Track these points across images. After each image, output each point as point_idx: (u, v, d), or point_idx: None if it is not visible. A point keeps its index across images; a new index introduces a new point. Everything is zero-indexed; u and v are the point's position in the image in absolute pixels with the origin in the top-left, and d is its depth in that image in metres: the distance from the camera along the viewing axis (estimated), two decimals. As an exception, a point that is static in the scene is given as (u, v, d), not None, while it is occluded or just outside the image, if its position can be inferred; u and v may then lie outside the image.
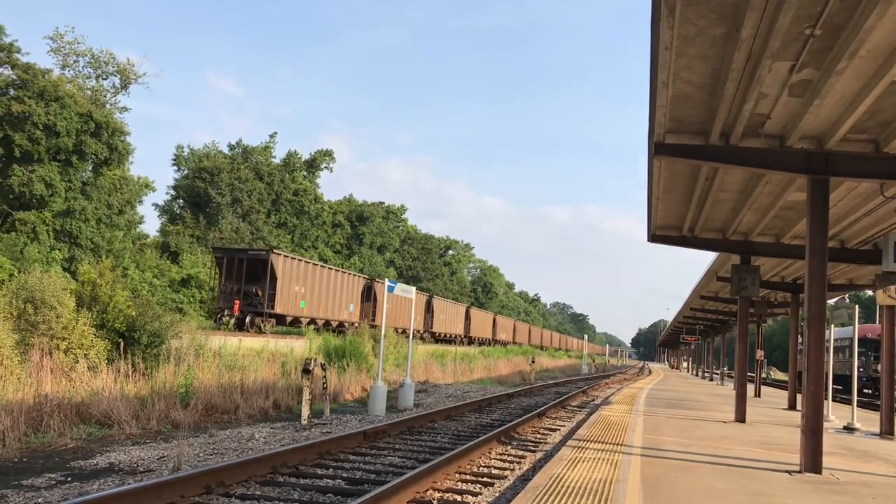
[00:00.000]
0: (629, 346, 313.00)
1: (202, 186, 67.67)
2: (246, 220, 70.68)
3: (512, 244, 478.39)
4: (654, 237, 17.13)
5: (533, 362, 41.49)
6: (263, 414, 16.51)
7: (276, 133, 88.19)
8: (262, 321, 32.83)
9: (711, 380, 50.03)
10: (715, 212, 15.10)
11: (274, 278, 32.18)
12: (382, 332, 19.16)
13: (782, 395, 30.11)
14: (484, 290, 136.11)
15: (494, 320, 77.74)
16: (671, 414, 18.14)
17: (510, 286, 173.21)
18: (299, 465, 10.09)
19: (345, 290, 40.07)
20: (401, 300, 50.89)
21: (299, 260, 35.00)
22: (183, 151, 72.25)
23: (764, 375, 46.13)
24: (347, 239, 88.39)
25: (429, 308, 53.63)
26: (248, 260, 32.57)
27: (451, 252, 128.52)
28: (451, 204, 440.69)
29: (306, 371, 15.21)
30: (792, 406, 22.86)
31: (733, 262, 18.26)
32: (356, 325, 37.90)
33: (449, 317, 59.39)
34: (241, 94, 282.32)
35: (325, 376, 17.06)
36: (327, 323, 37.76)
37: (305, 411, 14.83)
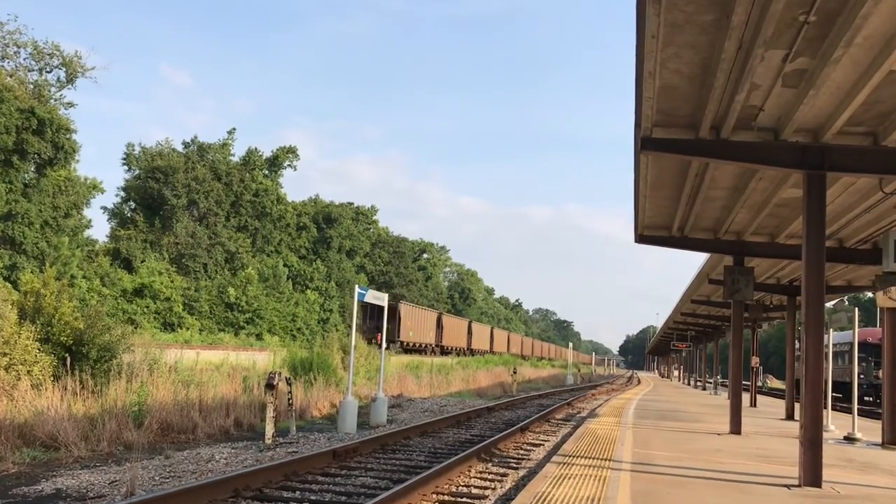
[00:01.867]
0: (616, 354, 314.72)
1: (155, 187, 67.11)
2: (203, 223, 70.21)
3: (491, 247, 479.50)
4: (641, 238, 17.23)
5: (514, 373, 41.58)
6: (224, 433, 16.37)
7: (234, 129, 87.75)
8: (391, 346, 52.22)
9: (704, 389, 50.43)
10: (706, 210, 15.22)
11: (399, 319, 55.97)
12: (352, 344, 19.10)
13: (779, 405, 30.42)
14: (462, 296, 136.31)
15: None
16: (662, 426, 18.25)
17: (490, 292, 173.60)
18: (263, 487, 10.01)
19: (428, 322, 64.81)
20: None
21: (411, 305, 61.72)
22: (134, 150, 71.59)
23: (760, 384, 46.54)
24: (313, 242, 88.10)
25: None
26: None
27: (425, 256, 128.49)
28: (426, 204, 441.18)
29: (270, 386, 15.10)
30: (790, 416, 23.10)
31: (726, 264, 18.43)
32: (432, 345, 62.89)
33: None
34: (196, 87, 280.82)
35: (290, 391, 16.96)
36: (422, 345, 60.98)
37: (269, 429, 14.72)
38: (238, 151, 79.79)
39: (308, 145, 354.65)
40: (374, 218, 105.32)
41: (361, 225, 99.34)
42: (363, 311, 54.42)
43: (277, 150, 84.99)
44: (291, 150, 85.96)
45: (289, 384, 17.00)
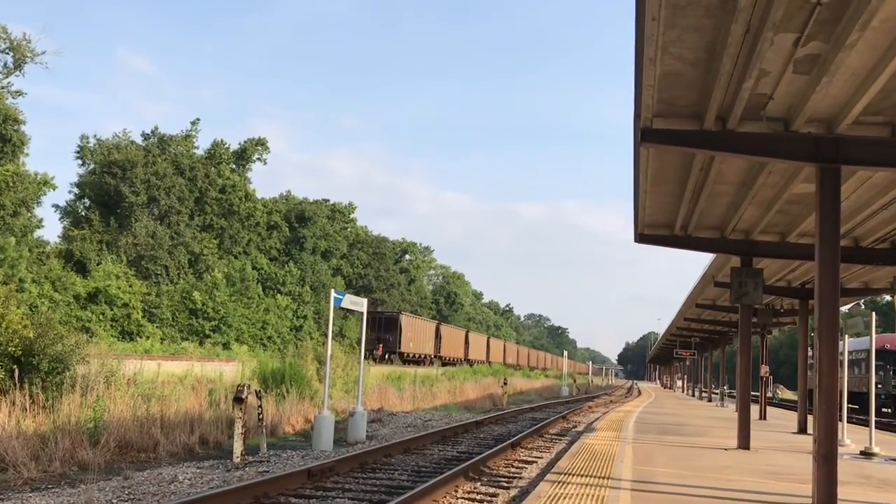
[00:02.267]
0: (615, 363, 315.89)
1: (112, 183, 66.76)
2: (164, 222, 69.92)
3: (479, 247, 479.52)
4: (641, 237, 17.28)
5: (505, 384, 41.64)
6: (188, 451, 16.30)
7: (198, 120, 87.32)
8: (392, 356, 60.58)
9: (710, 400, 50.67)
10: (711, 207, 15.29)
11: (400, 330, 63.01)
12: (328, 353, 19.07)
13: (791, 417, 30.60)
14: (447, 300, 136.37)
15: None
16: (665, 441, 18.32)
17: (478, 296, 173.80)
18: (231, 511, 9.98)
19: (427, 332, 70.72)
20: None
21: (412, 316, 68.53)
22: (88, 142, 71.21)
23: (770, 395, 46.80)
24: (285, 243, 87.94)
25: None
26: (385, 318, 64.82)
27: (408, 257, 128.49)
28: (408, 201, 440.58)
29: (238, 400, 15.05)
30: (802, 429, 23.24)
31: (732, 265, 18.50)
32: (431, 355, 68.53)
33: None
34: (157, 74, 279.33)
35: (260, 405, 16.90)
36: (422, 356, 66.24)
37: (238, 447, 14.67)
38: (203, 144, 79.49)
39: (279, 137, 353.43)
40: (352, 216, 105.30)
41: (338, 224, 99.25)
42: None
43: (245, 142, 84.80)
44: (261, 143, 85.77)
45: (259, 398, 16.94)
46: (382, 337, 63.00)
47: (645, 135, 10.51)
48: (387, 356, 61.19)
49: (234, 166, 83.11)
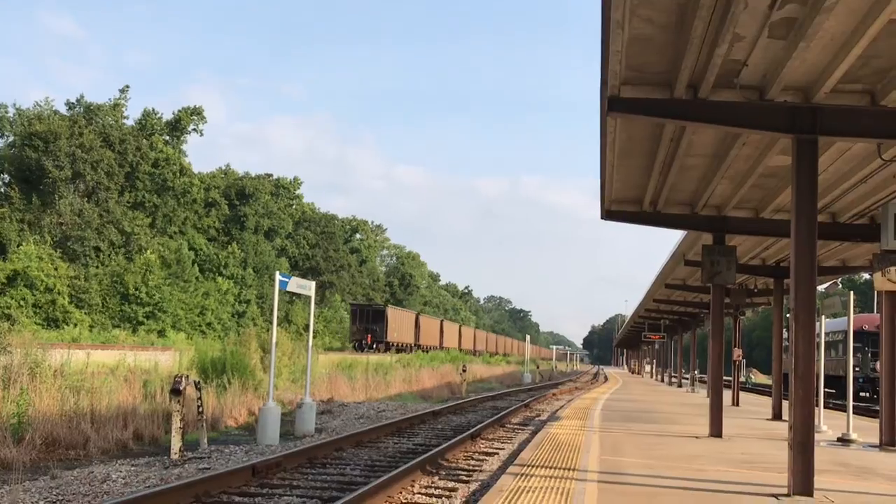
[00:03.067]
0: (580, 347, 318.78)
1: (34, 157, 65.58)
2: (92, 199, 68.94)
3: (435, 226, 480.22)
4: (608, 213, 17.40)
5: (464, 371, 41.80)
6: (122, 448, 16.17)
7: (128, 87, 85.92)
8: (380, 346, 67.54)
9: (680, 386, 51.38)
10: (682, 181, 15.43)
11: (386, 321, 70.87)
12: (273, 341, 18.98)
13: (765, 403, 31.12)
14: (402, 283, 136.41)
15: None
16: (633, 429, 18.54)
17: (434, 277, 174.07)
18: (170, 511, 9.92)
19: (408, 322, 79.89)
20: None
21: (396, 308, 79.96)
22: (7, 112, 69.88)
23: (743, 379, 47.55)
24: (225, 222, 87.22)
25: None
26: (373, 310, 73.23)
27: (358, 236, 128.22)
28: (358, 175, 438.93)
29: (176, 392, 14.95)
30: (777, 416, 23.65)
31: (704, 243, 18.72)
32: (412, 344, 77.20)
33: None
34: (82, 36, 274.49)
35: (200, 398, 16.81)
36: (404, 345, 74.38)
37: (176, 443, 14.58)
38: (133, 114, 78.82)
39: (217, 106, 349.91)
40: (298, 192, 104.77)
41: (282, 200, 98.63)
42: (353, 315, 75.24)
43: (179, 111, 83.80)
44: (196, 112, 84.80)
45: (198, 389, 16.84)
46: (370, 328, 71.72)
47: (612, 104, 10.56)
48: (374, 346, 69.86)
49: (167, 138, 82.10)
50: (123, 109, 76.88)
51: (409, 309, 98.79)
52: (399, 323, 76.45)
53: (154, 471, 13.19)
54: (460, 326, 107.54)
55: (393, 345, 72.29)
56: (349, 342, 73.91)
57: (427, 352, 74.49)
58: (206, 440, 16.50)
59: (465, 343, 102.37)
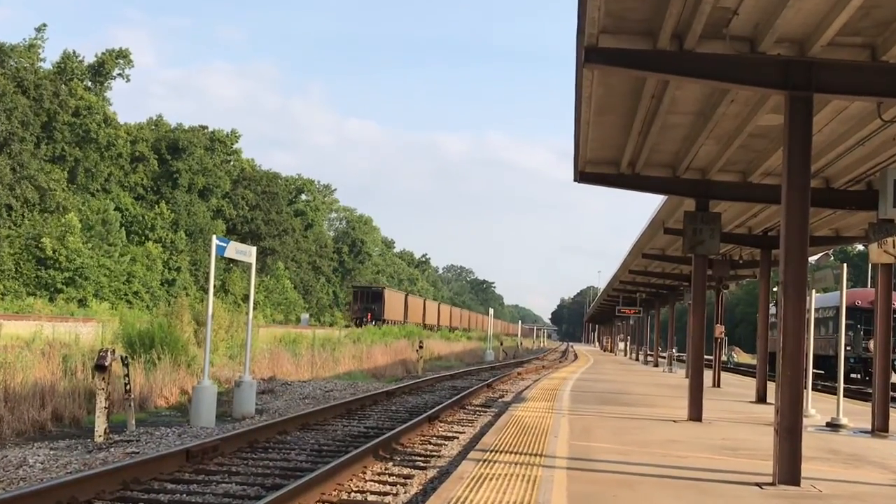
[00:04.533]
0: (548, 322, 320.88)
1: (-63, 103, 64.35)
2: (4, 151, 67.79)
3: (390, 186, 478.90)
4: (582, 176, 17.49)
5: (420, 348, 41.91)
6: (39, 429, 16.06)
7: (45, 26, 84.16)
8: (379, 323, 78.36)
9: (657, 365, 51.95)
10: (663, 141, 15.53)
11: (383, 301, 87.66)
12: (209, 312, 18.89)
13: (749, 384, 31.59)
14: (352, 249, 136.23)
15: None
16: (605, 412, 18.75)
17: (388, 244, 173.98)
18: (95, 499, 9.90)
19: (399, 302, 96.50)
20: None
21: (392, 289, 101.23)
22: None
23: (725, 358, 48.20)
24: (154, 179, 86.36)
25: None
26: (372, 291, 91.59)
27: (304, 197, 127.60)
28: (304, 130, 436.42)
29: (100, 367, 14.85)
30: (761, 398, 24.03)
31: (686, 209, 18.86)
32: (401, 322, 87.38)
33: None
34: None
35: (127, 374, 16.72)
36: (395, 323, 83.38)
37: (101, 424, 14.51)
38: (50, 56, 77.54)
39: (145, 49, 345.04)
40: (236, 147, 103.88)
41: (219, 156, 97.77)
42: (354, 295, 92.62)
43: (103, 54, 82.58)
44: (122, 55, 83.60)
45: (125, 365, 16.74)
46: (370, 307, 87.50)
47: (589, 54, 10.58)
48: (374, 322, 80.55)
49: (89, 84, 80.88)
50: (40, 51, 75.52)
51: (399, 290, 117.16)
52: (394, 303, 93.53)
53: (76, 455, 13.14)
54: (425, 300, 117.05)
55: (390, 322, 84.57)
56: (350, 320, 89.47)
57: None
58: (133, 421, 16.45)
59: (429, 318, 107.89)
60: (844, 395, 18.06)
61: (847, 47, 10.49)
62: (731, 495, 9.54)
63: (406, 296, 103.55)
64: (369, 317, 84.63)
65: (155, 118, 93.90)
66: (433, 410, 19.34)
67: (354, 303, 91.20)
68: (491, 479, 9.82)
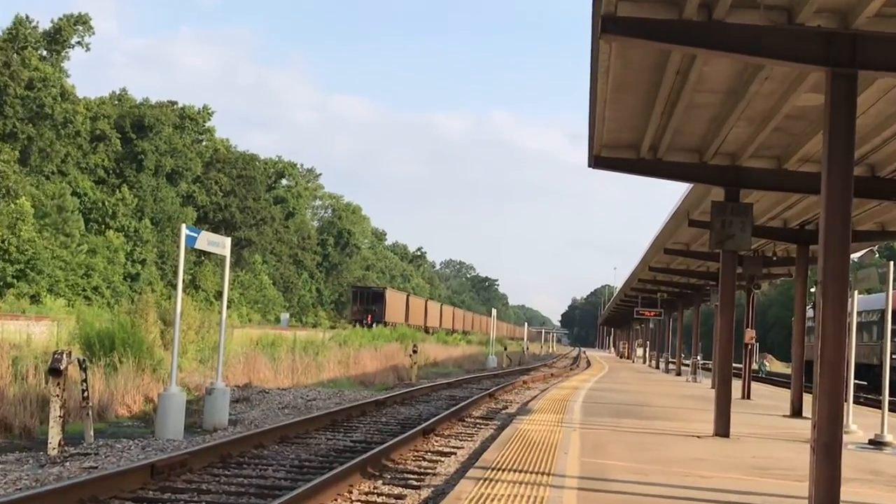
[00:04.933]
0: (557, 325, 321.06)
1: None
2: (-52, 128, 67.83)
3: (381, 171, 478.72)
4: (598, 161, 17.47)
5: (414, 352, 41.93)
6: (-15, 441, 16.06)
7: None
8: (379, 325, 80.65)
9: (679, 374, 51.98)
10: (689, 122, 15.51)
11: (385, 302, 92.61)
12: (177, 311, 18.87)
13: (782, 396, 31.59)
14: (338, 241, 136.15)
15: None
16: (621, 426, 18.76)
17: (379, 236, 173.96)
18: (47, 520, 9.90)
19: (401, 302, 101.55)
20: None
21: (393, 290, 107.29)
22: None
23: (756, 367, 48.17)
24: (117, 160, 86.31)
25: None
26: (373, 292, 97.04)
27: (285, 182, 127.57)
28: (285, 106, 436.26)
29: (55, 371, 14.82)
30: (797, 412, 24.04)
31: (714, 199, 18.87)
32: (403, 324, 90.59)
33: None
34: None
35: (85, 380, 16.68)
36: (396, 325, 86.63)
37: (55, 435, 14.49)
38: (1, 22, 77.08)
39: (107, 14, 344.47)
40: (209, 125, 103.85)
41: (189, 135, 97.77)
42: (353, 295, 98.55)
43: (60, 19, 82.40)
44: (81, 21, 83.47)
45: (83, 369, 16.71)
46: (370, 308, 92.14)
47: (607, 24, 10.56)
48: (374, 325, 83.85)
49: (44, 53, 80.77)
50: (-11, 15, 75.42)
51: (401, 290, 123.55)
52: (395, 304, 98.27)
53: (27, 469, 13.13)
54: (426, 301, 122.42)
55: (391, 324, 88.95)
56: (349, 321, 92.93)
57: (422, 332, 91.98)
58: (92, 432, 16.42)
59: (431, 320, 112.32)
60: (890, 410, 18.07)
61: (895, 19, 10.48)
62: (762, 520, 9.56)
63: (408, 296, 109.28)
64: (370, 318, 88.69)
65: (118, 92, 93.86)
66: (428, 423, 19.34)
67: (354, 303, 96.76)
68: (493, 501, 9.82)
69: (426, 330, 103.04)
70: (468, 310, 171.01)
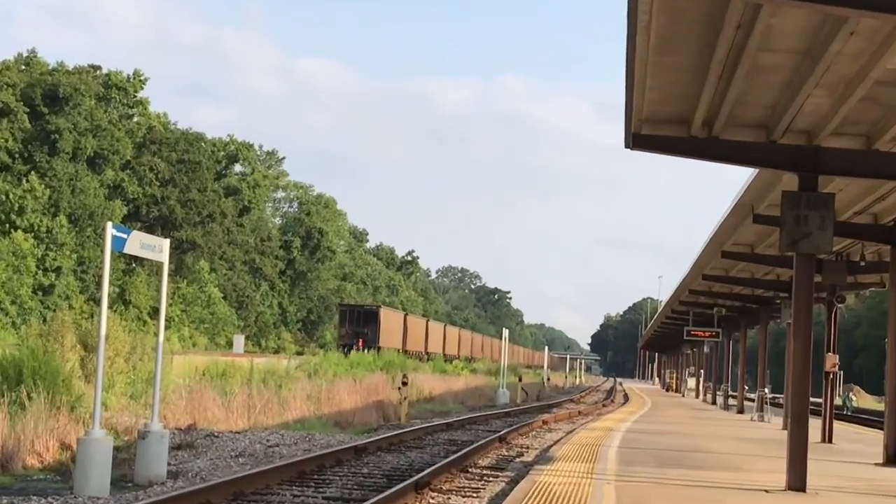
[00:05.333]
0: (586, 349, 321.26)
1: None
2: None
3: (361, 155, 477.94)
4: (637, 139, 17.46)
5: (404, 385, 41.94)
6: None
7: None
8: (372, 352, 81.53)
9: (741, 411, 51.91)
10: (753, 90, 15.51)
11: (379, 324, 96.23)
12: (101, 333, 18.84)
13: (874, 439, 31.52)
14: (306, 243, 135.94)
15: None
16: (667, 478, 18.73)
17: (359, 236, 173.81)
18: None
19: (397, 324, 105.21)
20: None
21: (390, 310, 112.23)
22: None
23: (839, 402, 48.16)
24: (24, 141, 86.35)
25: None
26: (364, 311, 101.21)
27: (238, 168, 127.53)
28: (239, 72, 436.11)
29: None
30: (892, 459, 23.99)
31: (785, 188, 18.86)
32: (400, 349, 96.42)
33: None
34: None
35: (-16, 421, 16.70)
36: (394, 350, 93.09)
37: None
38: None
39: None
40: (141, 96, 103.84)
41: (117, 109, 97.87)
42: (342, 316, 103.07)
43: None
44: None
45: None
46: (361, 331, 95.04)
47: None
48: (367, 351, 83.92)
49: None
50: None
51: (397, 309, 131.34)
52: (391, 325, 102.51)
53: None
54: (427, 321, 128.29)
55: (386, 349, 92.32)
56: (337, 347, 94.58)
57: (420, 359, 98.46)
58: (-8, 489, 16.43)
59: (433, 344, 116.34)
60: None
61: None
62: None
63: (405, 317, 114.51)
64: (360, 343, 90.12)
65: (25, 55, 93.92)
66: (422, 475, 19.31)
67: (342, 325, 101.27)
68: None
69: (426, 356, 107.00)
70: (474, 330, 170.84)
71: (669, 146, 17.86)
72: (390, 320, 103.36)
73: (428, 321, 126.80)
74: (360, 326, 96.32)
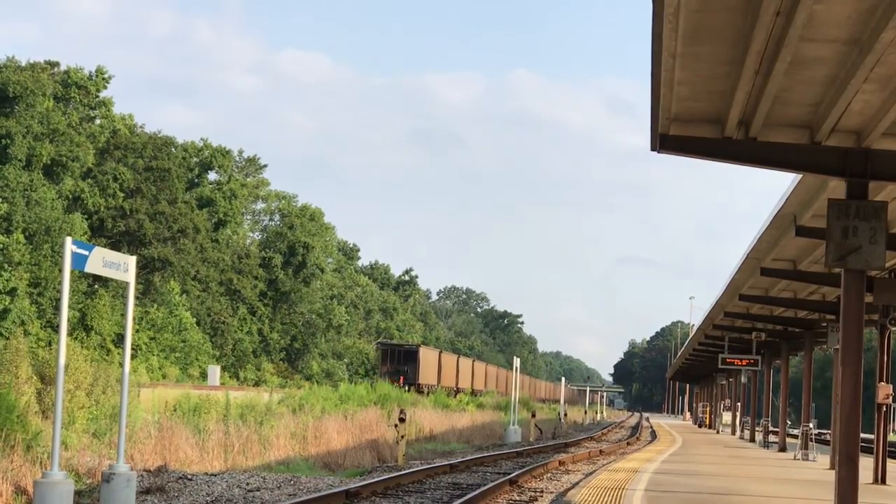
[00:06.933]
0: (608, 380, 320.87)
1: None
2: None
3: (351, 161, 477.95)
4: (665, 141, 17.50)
5: (402, 421, 41.94)
6: None
7: None
8: (412, 389, 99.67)
9: (784, 449, 51.86)
10: (795, 86, 15.56)
11: (418, 362, 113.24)
12: (60, 362, 18.87)
13: (932, 480, 31.54)
14: (289, 261, 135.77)
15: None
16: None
17: (349, 252, 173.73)
18: None
19: (432, 361, 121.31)
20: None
21: (428, 348, 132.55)
22: None
23: (894, 437, 48.05)
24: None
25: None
26: (405, 351, 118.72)
27: (214, 176, 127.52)
28: (214, 67, 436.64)
29: None
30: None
31: (831, 197, 18.88)
32: (434, 385, 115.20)
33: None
34: None
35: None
36: (428, 386, 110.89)
37: None
38: None
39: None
40: (104, 96, 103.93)
41: (77, 110, 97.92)
42: (382, 355, 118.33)
43: None
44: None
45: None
46: (401, 369, 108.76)
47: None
48: (407, 388, 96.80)
49: None
50: None
51: (433, 347, 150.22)
52: (428, 362, 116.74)
53: None
54: (458, 358, 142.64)
55: (425, 387, 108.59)
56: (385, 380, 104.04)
57: (453, 395, 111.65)
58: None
59: (463, 380, 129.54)
60: None
61: None
62: None
63: (440, 354, 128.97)
64: (401, 380, 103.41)
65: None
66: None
67: (383, 364, 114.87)
68: None
69: (456, 392, 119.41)
70: (479, 359, 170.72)
71: (701, 148, 17.87)
72: (428, 358, 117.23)
73: (459, 358, 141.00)
74: (400, 364, 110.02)
